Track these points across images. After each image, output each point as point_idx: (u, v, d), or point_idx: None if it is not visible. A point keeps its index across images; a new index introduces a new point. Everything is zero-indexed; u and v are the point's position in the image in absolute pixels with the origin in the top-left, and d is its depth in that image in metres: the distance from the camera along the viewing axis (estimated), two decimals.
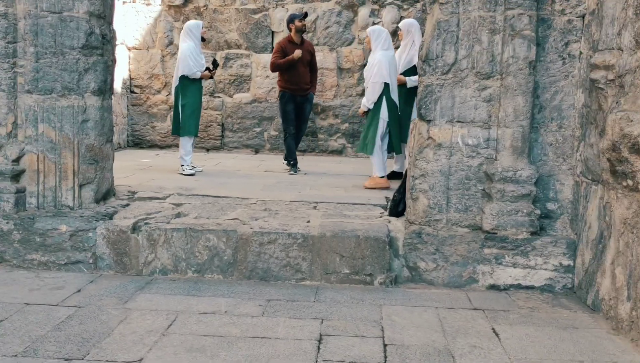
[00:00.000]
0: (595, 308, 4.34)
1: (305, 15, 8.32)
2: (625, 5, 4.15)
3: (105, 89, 5.26)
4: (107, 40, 5.30)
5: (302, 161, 9.74)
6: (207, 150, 10.75)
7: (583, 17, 4.75)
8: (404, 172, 7.55)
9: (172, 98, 8.99)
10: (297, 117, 8.38)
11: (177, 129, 7.88)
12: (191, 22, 8.06)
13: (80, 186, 5.14)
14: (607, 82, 4.30)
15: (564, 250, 4.74)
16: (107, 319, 3.93)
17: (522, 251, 4.75)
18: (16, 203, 4.97)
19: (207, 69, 8.02)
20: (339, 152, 10.68)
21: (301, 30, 8.22)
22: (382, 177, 7.15)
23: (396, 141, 7.35)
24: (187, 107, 7.79)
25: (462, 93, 4.82)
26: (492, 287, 4.77)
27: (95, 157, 5.18)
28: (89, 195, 5.20)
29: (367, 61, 7.69)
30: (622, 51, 4.18)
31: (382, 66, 7.07)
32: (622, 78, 4.15)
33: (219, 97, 10.81)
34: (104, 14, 5.20)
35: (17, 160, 5.02)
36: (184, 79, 7.78)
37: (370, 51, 7.44)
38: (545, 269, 4.75)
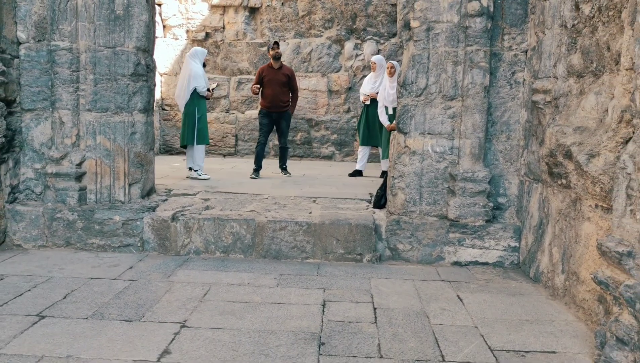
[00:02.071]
0: (536, 279, 4.48)
1: (275, 43, 7.91)
2: (559, 43, 4.30)
3: (149, 108, 5.34)
4: (151, 69, 5.37)
5: (300, 164, 9.87)
6: (224, 156, 10.82)
7: (526, 52, 4.89)
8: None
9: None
10: (276, 131, 8.18)
11: (192, 140, 7.40)
12: (198, 48, 7.74)
13: (130, 185, 5.21)
14: (546, 103, 4.44)
15: (512, 234, 4.88)
16: (156, 289, 4.02)
17: (479, 236, 4.88)
18: (79, 198, 5.05)
19: (208, 89, 7.64)
20: (329, 157, 10.78)
21: (275, 57, 7.87)
22: None
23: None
24: (202, 118, 7.47)
25: (432, 111, 4.94)
26: (456, 264, 4.89)
27: (141, 162, 5.26)
28: (136, 192, 5.27)
29: (358, 85, 7.86)
30: (557, 78, 4.32)
31: None
32: (557, 100, 4.29)
33: (233, 113, 10.88)
34: (148, 48, 5.28)
35: (79, 164, 5.08)
36: (195, 94, 7.39)
37: (390, 77, 7.58)
38: (497, 249, 4.88)
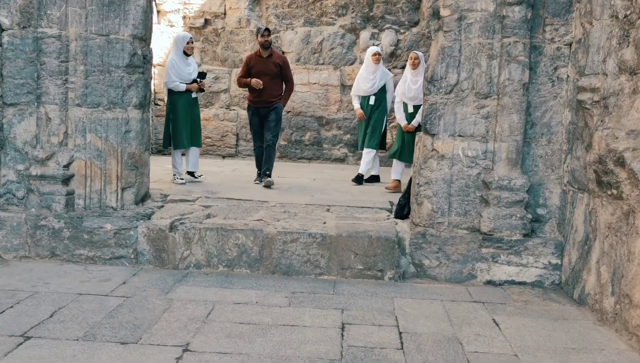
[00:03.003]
0: (581, 302, 4.44)
1: (267, 30, 7.40)
2: (609, 35, 4.27)
3: (144, 103, 5.33)
4: (147, 60, 5.37)
5: (309, 168, 9.87)
6: (223, 157, 10.81)
7: (570, 45, 4.86)
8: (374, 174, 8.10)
9: None
10: (263, 126, 7.61)
11: (167, 142, 7.24)
12: (179, 34, 7.48)
13: (123, 189, 5.20)
14: (593, 103, 4.41)
15: (553, 250, 4.84)
16: (153, 308, 4.00)
17: (516, 251, 4.84)
18: (66, 204, 5.04)
19: (195, 80, 7.23)
20: (341, 160, 10.76)
21: (264, 46, 7.40)
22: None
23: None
24: (175, 121, 7.12)
25: (463, 111, 4.91)
26: (489, 282, 4.86)
27: (135, 163, 5.25)
28: (130, 197, 5.26)
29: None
30: (606, 75, 4.29)
31: None
32: (607, 100, 4.26)
33: (234, 109, 10.88)
34: (145, 36, 5.27)
35: (67, 166, 5.08)
36: (171, 92, 7.16)
37: (413, 69, 7.35)
38: (536, 267, 4.84)
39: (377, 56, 7.94)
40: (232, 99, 10.87)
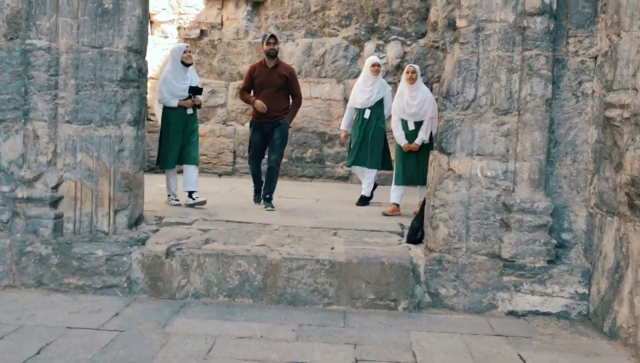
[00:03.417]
0: (612, 335, 4.31)
1: (272, 37, 7.11)
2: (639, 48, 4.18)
3: (139, 120, 5.23)
4: (143, 74, 5.29)
5: (311, 187, 9.76)
6: (220, 175, 10.70)
7: (595, 58, 4.78)
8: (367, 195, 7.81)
9: None
10: (267, 145, 7.35)
11: (159, 160, 7.10)
12: (175, 45, 7.37)
13: (115, 212, 5.08)
14: (623, 120, 4.30)
15: (579, 278, 4.72)
16: (150, 343, 3.86)
17: (540, 279, 4.72)
18: (54, 228, 4.91)
19: (190, 96, 7.00)
20: (344, 178, 10.65)
21: (269, 55, 7.11)
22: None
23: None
24: (165, 138, 6.96)
25: (482, 128, 4.82)
26: (511, 313, 4.73)
27: (129, 184, 5.13)
28: (123, 221, 5.14)
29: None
30: (637, 91, 4.19)
31: (434, 102, 7.14)
32: (637, 117, 4.16)
33: (231, 125, 10.80)
34: (141, 48, 5.19)
35: (55, 187, 4.95)
36: (165, 107, 6.99)
37: (411, 84, 7.14)
38: (562, 296, 4.72)
39: (377, 67, 7.79)
40: (229, 114, 10.80)
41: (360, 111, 7.79)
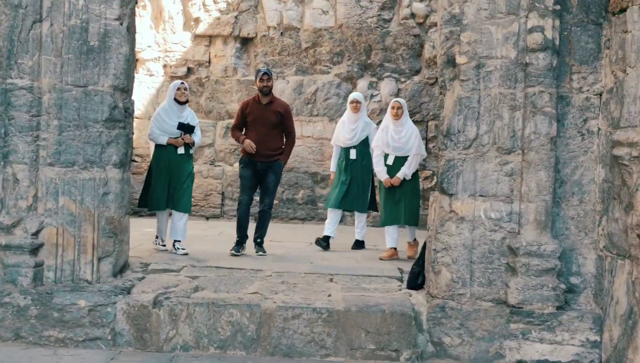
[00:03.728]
0: None
1: (265, 74, 6.96)
2: None
3: (125, 162, 5.20)
4: (129, 114, 5.28)
5: (303, 230, 9.68)
6: (207, 218, 10.62)
7: (600, 95, 4.80)
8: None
9: None
10: (259, 186, 7.16)
11: (143, 201, 7.05)
12: (173, 82, 7.37)
13: (99, 259, 5.01)
14: (632, 159, 4.29)
15: (591, 325, 4.66)
16: None
17: (549, 326, 4.66)
18: (34, 277, 4.82)
19: (184, 130, 6.88)
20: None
21: (263, 92, 6.98)
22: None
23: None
24: (152, 176, 6.90)
25: (484, 167, 4.81)
26: None
27: (114, 230, 5.07)
28: (107, 269, 5.06)
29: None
30: None
31: (420, 138, 7.21)
32: None
33: (219, 165, 10.77)
34: (127, 87, 5.19)
35: (36, 233, 4.88)
36: (156, 146, 6.91)
37: (397, 120, 7.16)
38: (572, 344, 4.66)
39: (355, 104, 7.73)
40: (217, 154, 10.77)
41: (345, 151, 7.73)
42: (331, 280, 5.71)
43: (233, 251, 6.72)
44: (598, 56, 4.79)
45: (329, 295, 5.08)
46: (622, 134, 4.39)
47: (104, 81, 4.96)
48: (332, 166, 8.04)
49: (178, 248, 6.67)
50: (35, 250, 4.88)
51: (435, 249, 4.94)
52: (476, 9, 4.80)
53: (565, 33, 4.77)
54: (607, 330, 4.60)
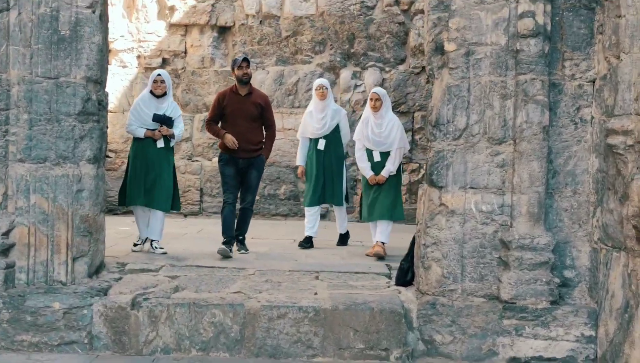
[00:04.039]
0: None
1: (245, 60, 6.88)
2: None
3: (100, 157, 5.18)
4: (103, 106, 5.26)
5: (286, 226, 9.69)
6: (185, 216, 10.58)
7: (593, 82, 4.84)
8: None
9: None
10: (241, 184, 7.02)
11: (122, 198, 6.94)
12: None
13: (74, 259, 4.98)
14: (627, 148, 4.33)
15: (585, 319, 4.71)
16: None
17: (543, 322, 4.71)
18: (5, 279, 4.78)
19: (161, 121, 6.75)
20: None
21: (242, 80, 6.87)
22: None
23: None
24: (129, 172, 6.83)
25: (475, 158, 4.84)
26: (513, 360, 4.70)
27: (89, 228, 5.05)
28: (83, 269, 5.03)
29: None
30: None
31: (403, 130, 7.11)
32: None
33: (197, 160, 10.74)
34: (101, 79, 5.17)
35: (6, 233, 4.85)
36: (134, 139, 6.86)
37: (376, 112, 7.02)
38: (567, 340, 4.71)
39: (322, 90, 7.50)
40: (195, 149, 10.73)
41: (314, 141, 7.54)
42: (317, 277, 5.74)
43: (222, 252, 6.46)
44: (591, 41, 4.82)
45: (315, 294, 5.11)
46: (617, 122, 4.42)
47: (76, 72, 4.92)
48: (300, 159, 7.81)
49: (156, 247, 6.59)
50: (5, 251, 4.85)
51: (424, 244, 4.96)
52: None
53: (557, 18, 4.80)
54: (602, 324, 4.65)
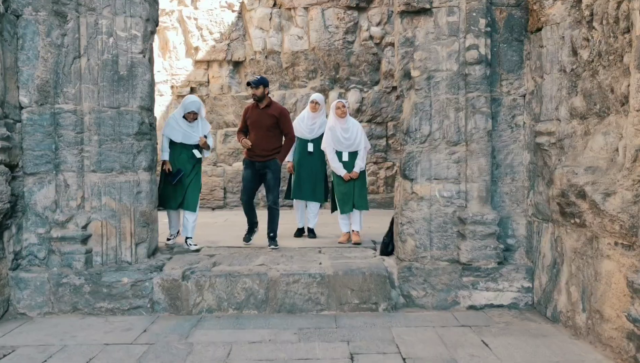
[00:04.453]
0: (554, 319, 4.51)
1: (248, 84, 6.40)
2: (559, 86, 4.47)
3: (152, 166, 5.31)
4: (153, 128, 5.39)
5: (290, 214, 9.79)
6: (213, 209, 10.74)
7: (524, 96, 5.05)
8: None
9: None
10: (263, 184, 6.58)
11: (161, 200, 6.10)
12: (186, 98, 6.41)
13: (136, 245, 5.13)
14: (551, 145, 4.57)
15: (524, 274, 4.92)
16: (177, 352, 3.92)
17: (492, 278, 4.91)
18: (85, 261, 4.95)
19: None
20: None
21: (254, 99, 6.45)
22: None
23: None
24: (162, 178, 6.22)
25: (437, 157, 5.02)
26: (471, 307, 4.90)
27: (146, 221, 5.20)
28: (143, 252, 5.19)
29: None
30: (559, 121, 4.48)
31: (364, 132, 6.83)
32: (562, 141, 4.43)
33: (220, 166, 10.88)
34: (151, 107, 5.30)
35: (85, 227, 5.00)
36: (172, 148, 6.22)
37: (342, 118, 6.59)
38: (511, 291, 4.91)
39: (314, 105, 7.02)
40: (219, 157, 10.88)
41: (303, 144, 6.95)
42: (320, 251, 5.89)
43: (245, 241, 6.43)
44: (521, 65, 5.03)
45: (320, 263, 5.26)
46: (542, 126, 4.66)
47: (132, 103, 5.07)
48: (289, 156, 6.97)
49: (190, 245, 6.16)
50: (85, 240, 5.00)
51: (401, 223, 5.15)
52: (425, 33, 5.01)
53: (495, 49, 5.00)
54: (537, 278, 4.87)
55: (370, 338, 4.17)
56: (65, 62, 4.96)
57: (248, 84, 6.44)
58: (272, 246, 6.16)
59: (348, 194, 6.56)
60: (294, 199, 7.12)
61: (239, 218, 8.60)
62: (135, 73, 5.07)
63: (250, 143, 6.45)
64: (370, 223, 7.46)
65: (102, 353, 3.91)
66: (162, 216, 6.06)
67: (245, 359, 3.77)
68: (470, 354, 3.81)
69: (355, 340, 4.12)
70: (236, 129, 10.17)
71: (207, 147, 6.40)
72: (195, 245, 6.15)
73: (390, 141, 10.67)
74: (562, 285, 4.40)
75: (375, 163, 10.57)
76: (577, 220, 4.11)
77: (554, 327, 4.39)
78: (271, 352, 3.91)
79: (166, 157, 6.22)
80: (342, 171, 6.55)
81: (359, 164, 6.58)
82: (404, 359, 3.73)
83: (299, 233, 7.11)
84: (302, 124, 7.01)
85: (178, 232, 6.58)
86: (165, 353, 3.90)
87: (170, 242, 6.34)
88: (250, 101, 7.29)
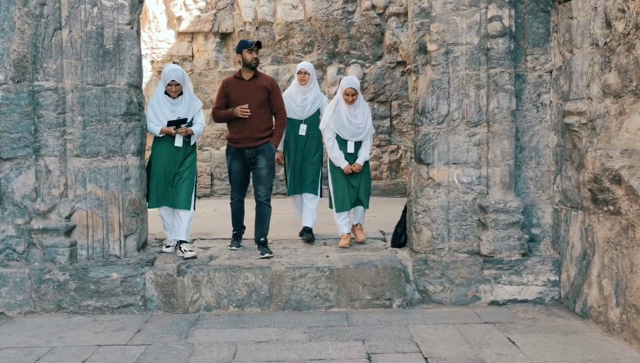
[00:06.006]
0: (584, 315, 4.61)
1: (258, 44, 5.64)
2: (591, 62, 4.53)
3: (142, 150, 5.33)
4: (142, 107, 5.40)
5: (287, 203, 9.85)
6: (199, 197, 10.74)
7: (551, 73, 5.11)
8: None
9: None
10: (252, 174, 5.81)
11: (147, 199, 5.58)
12: (165, 68, 5.64)
13: (125, 237, 5.16)
14: (581, 126, 4.64)
15: (551, 267, 5.02)
16: (177, 353, 3.98)
17: (516, 271, 5.00)
18: (70, 255, 4.98)
19: (176, 124, 5.46)
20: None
21: (250, 65, 5.62)
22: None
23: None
24: (154, 171, 5.53)
25: (455, 139, 5.09)
26: (493, 303, 5.00)
27: (136, 210, 5.23)
28: (132, 244, 5.22)
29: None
30: (591, 99, 4.54)
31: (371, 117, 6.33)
32: (594, 122, 4.50)
33: (207, 150, 10.90)
34: (139, 84, 5.31)
35: (68, 217, 5.02)
36: (153, 139, 5.57)
37: (351, 104, 5.84)
38: (536, 284, 5.01)
39: (303, 75, 6.23)
40: (204, 140, 10.89)
41: (294, 126, 6.21)
42: (325, 243, 5.96)
43: (232, 246, 5.73)
44: (548, 38, 5.08)
45: (327, 256, 5.34)
46: (572, 105, 4.72)
47: (120, 80, 5.08)
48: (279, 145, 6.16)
49: (185, 251, 5.35)
50: (69, 232, 5.03)
51: (416, 211, 5.23)
52: (442, 2, 5.04)
53: (520, 20, 5.05)
54: (564, 270, 4.97)
55: (387, 336, 4.25)
56: (44, 34, 4.95)
57: (244, 45, 5.63)
58: (264, 255, 5.35)
59: (349, 188, 5.95)
60: (292, 196, 6.51)
61: (229, 207, 8.62)
62: (122, 47, 5.08)
63: (248, 110, 5.55)
64: (375, 212, 7.50)
65: (95, 355, 3.96)
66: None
67: (253, 360, 3.84)
68: (497, 353, 3.90)
69: (371, 339, 4.20)
70: None
71: (191, 133, 5.55)
72: (192, 251, 5.36)
73: (394, 122, 10.74)
74: (593, 278, 4.49)
75: (378, 146, 10.64)
76: (611, 207, 4.20)
77: (584, 323, 4.49)
78: (280, 352, 3.97)
79: (157, 131, 5.47)
80: (342, 163, 5.89)
81: (364, 155, 5.94)
82: (425, 359, 3.81)
83: (309, 232, 6.21)
84: (292, 102, 6.19)
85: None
86: (165, 354, 3.96)
87: (168, 250, 5.58)
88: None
